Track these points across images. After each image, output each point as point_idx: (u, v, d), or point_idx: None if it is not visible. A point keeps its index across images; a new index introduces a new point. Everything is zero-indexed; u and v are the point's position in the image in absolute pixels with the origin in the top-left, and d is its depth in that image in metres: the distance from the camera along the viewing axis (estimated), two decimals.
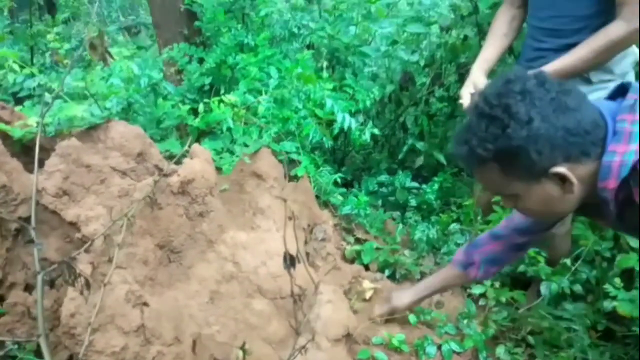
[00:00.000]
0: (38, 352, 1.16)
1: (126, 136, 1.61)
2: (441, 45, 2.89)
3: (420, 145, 2.99)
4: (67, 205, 1.29)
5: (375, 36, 3.02)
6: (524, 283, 2.25)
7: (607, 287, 1.85)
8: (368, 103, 2.50)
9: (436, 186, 2.97)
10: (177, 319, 1.39)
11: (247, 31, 2.85)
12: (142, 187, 1.42)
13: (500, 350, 1.99)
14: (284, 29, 2.89)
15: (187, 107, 2.14)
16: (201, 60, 2.74)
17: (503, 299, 2.17)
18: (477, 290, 2.22)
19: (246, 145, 2.08)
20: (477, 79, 1.92)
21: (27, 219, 1.24)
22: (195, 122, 2.15)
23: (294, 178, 2.29)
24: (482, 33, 2.63)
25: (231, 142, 2.10)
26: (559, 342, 2.00)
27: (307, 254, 2.18)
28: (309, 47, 3.02)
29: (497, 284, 2.21)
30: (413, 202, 3.01)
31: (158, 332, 1.25)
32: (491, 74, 2.04)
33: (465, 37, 2.86)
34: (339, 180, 2.66)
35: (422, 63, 3.02)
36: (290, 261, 1.22)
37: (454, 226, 2.52)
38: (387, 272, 2.29)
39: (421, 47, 3.09)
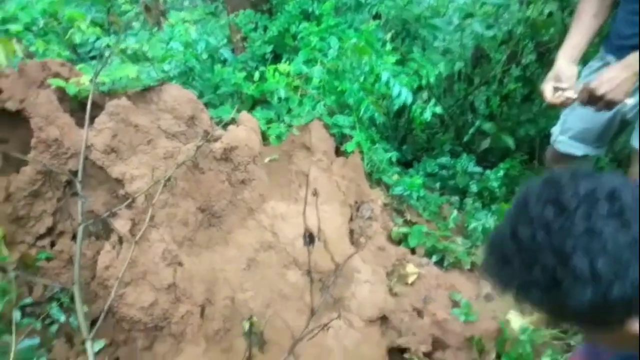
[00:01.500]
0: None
1: (179, 100, 1.65)
2: (521, 21, 2.67)
3: (488, 127, 2.82)
4: (113, 162, 1.36)
5: (448, 8, 2.85)
6: None
7: None
8: (432, 79, 2.38)
9: (501, 173, 2.80)
10: (211, 281, 1.43)
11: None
12: (186, 150, 1.46)
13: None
14: None
15: (243, 74, 2.16)
16: (266, 28, 2.75)
17: None
18: None
19: (300, 116, 2.07)
20: (563, 70, 1.66)
21: (76, 173, 1.32)
22: (250, 89, 2.17)
23: (345, 153, 2.25)
24: (567, 9, 2.39)
25: (287, 112, 2.10)
26: None
27: (352, 232, 2.15)
28: (375, 17, 2.93)
29: None
30: (474, 188, 2.87)
31: (189, 292, 1.30)
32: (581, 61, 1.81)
33: (550, 13, 2.62)
34: (394, 159, 2.59)
35: (498, 39, 2.81)
36: (309, 238, 1.20)
37: None
38: (434, 258, 2.21)
39: (499, 22, 2.88)
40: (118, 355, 1.25)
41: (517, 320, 1.98)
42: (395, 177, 2.58)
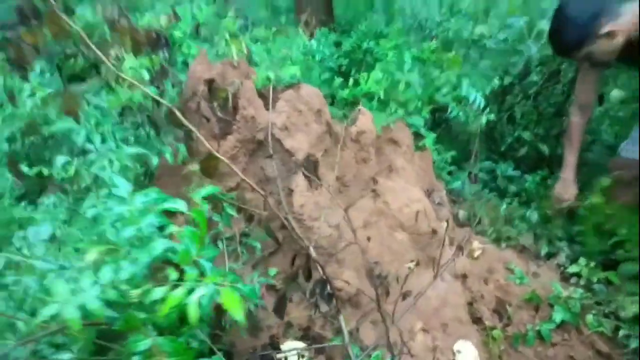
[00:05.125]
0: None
1: (310, 95, 2.26)
2: None
3: (527, 135, 3.46)
4: (286, 136, 1.94)
5: (499, 30, 3.51)
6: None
7: None
8: (487, 91, 3.03)
9: (538, 178, 3.43)
10: (348, 231, 2.01)
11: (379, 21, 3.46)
12: (335, 132, 2.05)
13: (589, 317, 2.46)
14: (414, 20, 3.48)
15: (340, 79, 2.79)
16: (336, 44, 3.39)
17: (595, 279, 2.63)
18: (571, 269, 2.70)
19: (390, 115, 2.69)
20: (570, 192, 2.81)
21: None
22: (345, 93, 2.79)
23: (418, 149, 2.87)
24: None
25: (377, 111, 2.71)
26: None
27: None
28: (432, 38, 3.59)
29: (592, 264, 2.68)
30: (513, 189, 3.49)
31: (345, 232, 1.88)
32: None
33: None
34: (449, 159, 3.22)
35: (539, 59, 3.48)
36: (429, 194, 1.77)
37: None
38: (492, 237, 2.82)
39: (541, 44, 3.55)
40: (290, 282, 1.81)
41: (561, 291, 2.57)
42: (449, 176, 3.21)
